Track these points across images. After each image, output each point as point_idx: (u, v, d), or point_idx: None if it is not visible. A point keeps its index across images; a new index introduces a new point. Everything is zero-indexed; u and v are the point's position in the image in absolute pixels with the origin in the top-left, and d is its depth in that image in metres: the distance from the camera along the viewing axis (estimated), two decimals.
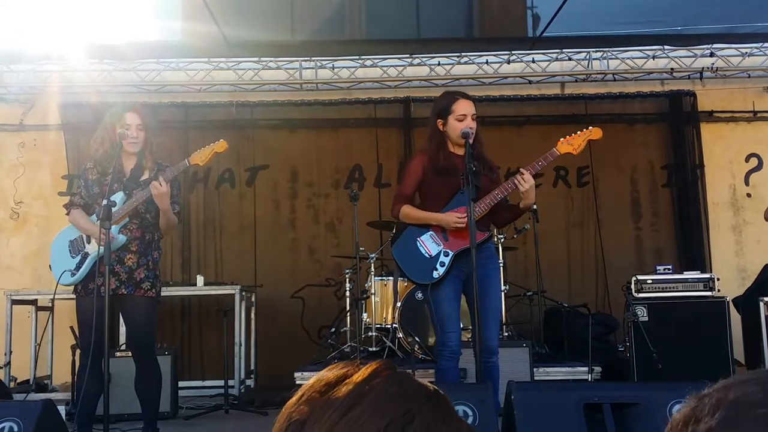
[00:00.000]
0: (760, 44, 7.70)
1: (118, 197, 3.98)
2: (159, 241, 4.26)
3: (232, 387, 6.49)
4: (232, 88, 8.01)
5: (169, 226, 4.15)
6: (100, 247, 3.79)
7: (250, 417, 5.74)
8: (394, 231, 6.37)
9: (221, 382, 6.21)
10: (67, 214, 4.23)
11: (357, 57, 7.87)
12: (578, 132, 4.11)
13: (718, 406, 0.68)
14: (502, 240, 6.37)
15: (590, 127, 4.11)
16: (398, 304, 6.23)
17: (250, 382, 7.26)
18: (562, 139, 4.08)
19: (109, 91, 7.75)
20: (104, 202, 3.75)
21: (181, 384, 6.21)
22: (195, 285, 7.03)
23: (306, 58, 7.85)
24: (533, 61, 7.84)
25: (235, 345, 6.74)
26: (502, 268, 5.78)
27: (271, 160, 8.06)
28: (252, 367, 7.37)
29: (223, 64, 7.88)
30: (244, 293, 7.03)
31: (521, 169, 3.93)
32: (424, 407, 0.77)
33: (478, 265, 3.80)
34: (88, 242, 4.09)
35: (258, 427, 5.33)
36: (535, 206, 6.36)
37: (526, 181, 3.87)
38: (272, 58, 7.84)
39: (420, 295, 6.15)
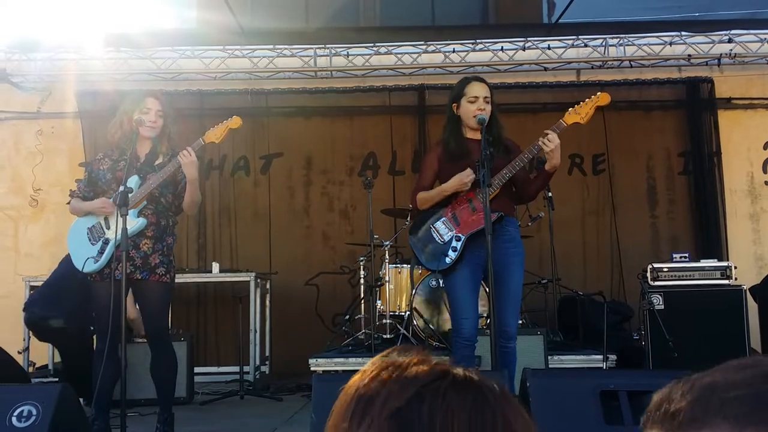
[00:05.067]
0: None
1: (133, 181, 3.99)
2: (174, 227, 4.28)
3: (248, 373, 6.53)
4: (247, 76, 8.02)
5: (194, 201, 4.13)
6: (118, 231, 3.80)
7: (265, 403, 5.78)
8: (408, 219, 6.42)
9: (236, 369, 6.26)
10: (68, 203, 4.27)
11: (371, 44, 7.85)
12: (585, 100, 4.01)
13: (691, 388, 0.68)
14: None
15: (598, 93, 4.00)
16: (413, 292, 6.22)
17: (265, 369, 7.31)
18: (570, 109, 4.00)
19: (125, 79, 7.79)
20: (121, 188, 3.77)
21: (196, 370, 6.27)
22: (210, 272, 7.07)
23: (320, 46, 7.84)
24: (549, 48, 7.79)
25: (250, 332, 6.78)
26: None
27: (286, 147, 8.07)
28: (267, 354, 7.41)
29: (238, 52, 7.89)
30: (258, 280, 7.06)
31: (545, 131, 3.85)
32: (500, 403, 0.78)
33: (497, 248, 3.74)
34: (108, 228, 4.11)
35: (273, 412, 5.36)
36: (550, 194, 6.37)
37: (551, 141, 3.77)
38: (287, 46, 7.83)
39: (434, 282, 6.15)
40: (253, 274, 6.93)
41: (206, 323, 7.72)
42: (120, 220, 3.71)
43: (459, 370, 0.80)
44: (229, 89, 8.08)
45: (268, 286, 7.52)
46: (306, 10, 7.44)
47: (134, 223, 3.92)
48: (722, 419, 0.65)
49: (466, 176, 3.92)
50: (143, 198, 4.03)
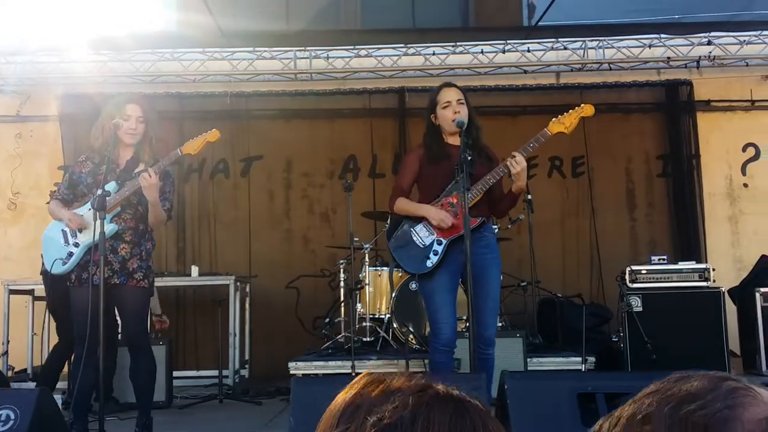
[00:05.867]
0: (759, 32, 7.66)
1: (111, 187, 3.97)
2: (152, 232, 4.25)
3: (227, 377, 6.50)
4: (227, 79, 7.99)
5: (157, 221, 4.13)
6: (94, 236, 3.78)
7: (244, 406, 5.75)
8: (388, 222, 6.41)
9: (216, 372, 6.22)
10: (48, 203, 4.25)
11: (352, 47, 7.83)
12: (570, 111, 4.03)
13: (616, 423, 0.74)
14: (497, 230, 6.35)
15: (582, 105, 4.03)
16: (393, 295, 6.22)
17: (244, 372, 7.28)
18: (554, 119, 4.02)
19: (105, 82, 7.73)
20: (98, 191, 3.74)
21: (175, 374, 6.24)
22: (190, 275, 7.03)
23: (300, 48, 7.82)
24: (528, 51, 7.81)
25: (230, 335, 6.75)
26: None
27: (266, 150, 8.05)
28: (246, 357, 7.38)
29: (217, 54, 7.85)
30: (238, 283, 7.03)
31: (513, 152, 3.88)
32: (479, 415, 0.81)
33: (475, 253, 3.76)
34: (80, 231, 4.08)
35: (252, 416, 5.35)
36: (530, 196, 6.39)
37: (518, 163, 3.80)
38: (266, 48, 7.80)
39: (414, 285, 6.12)
40: (233, 277, 6.90)
41: (185, 327, 7.67)
42: (98, 223, 3.69)
43: (440, 386, 0.84)
44: (208, 92, 8.04)
45: (247, 290, 7.49)
46: (286, 12, 7.42)
47: (105, 228, 3.89)
48: None
49: (446, 221, 3.95)
50: (117, 204, 4.00)
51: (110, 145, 4.00)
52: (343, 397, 0.85)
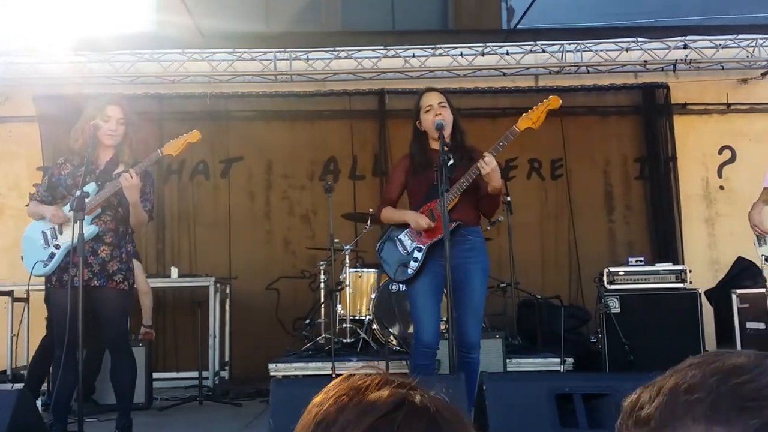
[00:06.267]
0: (734, 36, 7.76)
1: (91, 188, 3.96)
2: (133, 234, 4.24)
3: (207, 378, 6.49)
4: (207, 80, 7.96)
5: (139, 222, 4.12)
6: (74, 237, 3.76)
7: (224, 408, 5.75)
8: (368, 224, 6.46)
9: (195, 374, 6.20)
10: (26, 205, 4.24)
11: (331, 48, 7.84)
12: (536, 105, 4.06)
13: (658, 393, 0.71)
14: None
15: (549, 97, 4.06)
16: (372, 296, 6.24)
17: (224, 374, 7.26)
18: (524, 114, 4.05)
19: (84, 83, 7.67)
20: (77, 192, 3.73)
21: (155, 375, 6.22)
22: (169, 277, 7.00)
23: (280, 50, 7.81)
24: (507, 54, 7.86)
25: (210, 337, 6.73)
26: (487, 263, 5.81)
27: (246, 151, 8.04)
28: (226, 359, 7.36)
29: (197, 56, 7.81)
30: (218, 285, 7.01)
31: (483, 153, 3.91)
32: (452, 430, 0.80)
33: (458, 257, 3.83)
34: (60, 233, 4.06)
35: (232, 418, 5.34)
36: (509, 198, 6.44)
37: (487, 164, 3.83)
38: (246, 50, 7.78)
39: (394, 286, 6.17)
40: (213, 278, 6.89)
41: (165, 328, 7.62)
42: (77, 225, 3.67)
43: (417, 397, 0.82)
44: (188, 93, 8.01)
45: (227, 291, 7.47)
46: (266, 14, 7.44)
47: (85, 230, 3.87)
48: (692, 421, 0.68)
49: (423, 223, 4.00)
50: (97, 206, 3.99)
51: (90, 146, 3.98)
52: (316, 407, 0.85)
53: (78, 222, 3.68)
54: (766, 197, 4.60)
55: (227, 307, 7.45)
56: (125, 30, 7.27)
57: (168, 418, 5.47)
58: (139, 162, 4.07)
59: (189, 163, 7.97)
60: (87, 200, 3.79)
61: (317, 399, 0.85)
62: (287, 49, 7.81)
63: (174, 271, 7.01)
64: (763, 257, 4.47)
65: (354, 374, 0.88)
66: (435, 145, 4.12)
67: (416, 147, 4.19)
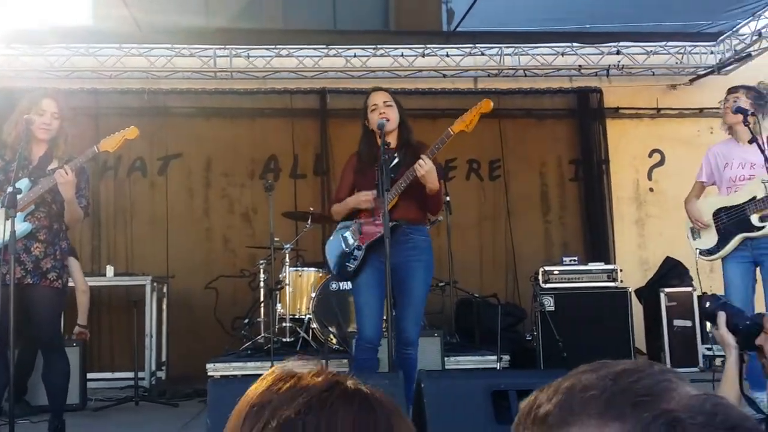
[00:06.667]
0: (664, 43, 8.05)
1: (23, 184, 3.88)
2: (67, 231, 4.16)
3: (143, 379, 6.40)
4: (145, 75, 7.83)
5: (74, 218, 4.05)
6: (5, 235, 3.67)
7: (160, 408, 5.68)
8: (309, 223, 6.48)
9: (131, 374, 6.11)
10: None
11: (273, 46, 7.81)
12: (470, 109, 4.14)
13: (555, 393, 0.75)
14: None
15: (482, 100, 4.14)
16: (313, 295, 6.25)
17: (161, 374, 7.16)
18: (459, 117, 4.13)
19: (17, 76, 7.47)
20: (9, 188, 3.64)
21: (90, 376, 6.11)
22: (105, 275, 6.87)
23: (220, 46, 7.75)
24: (447, 56, 7.98)
25: (146, 336, 6.64)
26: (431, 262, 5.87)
27: (185, 148, 7.94)
28: (163, 359, 7.26)
29: (134, 51, 7.68)
30: (155, 284, 6.92)
31: (421, 155, 3.97)
32: (384, 412, 0.82)
33: (399, 255, 3.90)
34: None
35: (168, 418, 5.28)
36: (448, 198, 6.53)
37: (421, 166, 3.88)
38: (186, 45, 7.69)
39: (335, 285, 6.19)
40: (150, 277, 6.79)
41: (100, 328, 7.47)
42: (8, 222, 3.58)
43: (350, 382, 0.84)
44: (125, 88, 7.87)
45: (165, 290, 7.37)
46: (206, 9, 7.32)
47: (19, 227, 3.78)
48: (588, 417, 0.71)
49: (364, 195, 4.07)
50: (30, 203, 3.90)
51: (23, 140, 3.89)
52: (252, 393, 0.85)
53: (10, 219, 3.59)
54: (698, 192, 4.78)
55: (164, 307, 7.35)
56: (60, 23, 7.07)
57: (103, 419, 5.38)
58: (74, 158, 3.99)
59: (126, 159, 7.83)
60: (19, 197, 3.71)
61: (254, 385, 0.87)
62: (227, 46, 7.75)
63: (110, 270, 6.88)
64: (698, 250, 4.61)
65: (290, 363, 0.89)
66: None
67: (364, 145, 4.25)
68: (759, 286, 4.45)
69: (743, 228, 4.41)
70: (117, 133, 4.11)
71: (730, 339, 2.46)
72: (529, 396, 0.79)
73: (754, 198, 4.37)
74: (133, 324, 6.14)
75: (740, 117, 4.28)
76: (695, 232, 4.69)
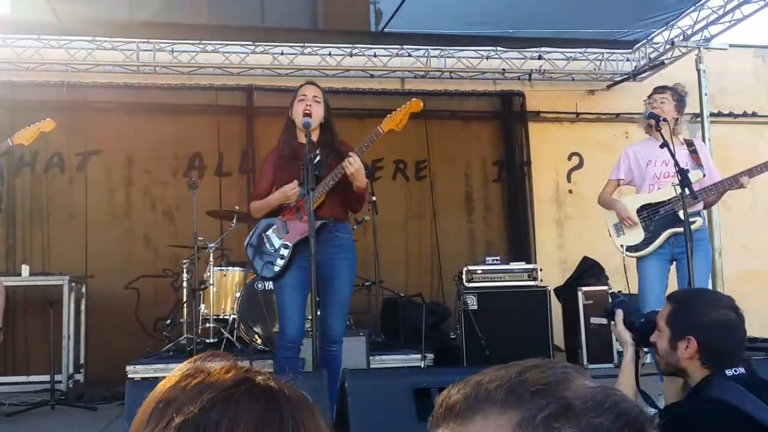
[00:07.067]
0: (583, 49, 8.32)
1: None
2: None
3: (60, 382, 6.19)
4: (64, 68, 7.59)
5: None
6: None
7: (78, 412, 5.52)
8: (234, 222, 6.40)
9: (47, 377, 5.91)
10: None
11: (198, 41, 7.70)
12: (399, 108, 4.20)
13: (464, 385, 0.80)
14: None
15: (411, 100, 4.20)
16: (237, 295, 6.19)
17: (79, 377, 6.96)
18: (387, 116, 4.18)
19: None
20: None
21: (3, 380, 5.90)
22: (20, 275, 6.62)
23: (144, 40, 7.58)
24: (375, 56, 8.03)
25: (63, 338, 6.44)
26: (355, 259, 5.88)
27: (105, 144, 7.73)
28: (82, 361, 7.06)
29: (54, 42, 7.45)
30: (73, 284, 6.71)
31: (349, 153, 4.00)
32: (291, 407, 0.81)
33: (324, 253, 3.90)
34: None
35: (86, 422, 5.15)
36: (374, 198, 6.57)
37: (351, 164, 3.91)
38: (107, 38, 7.50)
39: (260, 285, 6.15)
40: (67, 277, 6.59)
41: (15, 330, 7.19)
42: None
43: (260, 378, 0.83)
44: (43, 81, 7.61)
45: (83, 290, 7.16)
46: (129, 2, 7.16)
47: None
48: (490, 404, 0.76)
49: (290, 189, 4.04)
50: None
51: None
52: (159, 389, 0.83)
53: None
54: (612, 190, 4.91)
55: (83, 307, 7.14)
56: None
57: (17, 424, 5.19)
58: None
59: (43, 155, 7.57)
60: None
61: (162, 381, 0.85)
62: (151, 40, 7.60)
63: (25, 269, 6.64)
64: (624, 247, 4.68)
65: (201, 358, 0.88)
66: (302, 138, 4.16)
67: (285, 138, 4.21)
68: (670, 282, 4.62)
69: (671, 224, 4.52)
70: (32, 125, 4.00)
71: (626, 336, 2.58)
72: (443, 391, 0.82)
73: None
74: (50, 325, 5.95)
75: (652, 122, 4.46)
76: (619, 229, 4.73)
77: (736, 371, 2.12)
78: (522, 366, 0.80)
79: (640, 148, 4.83)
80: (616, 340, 2.62)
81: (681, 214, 4.44)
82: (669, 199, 4.54)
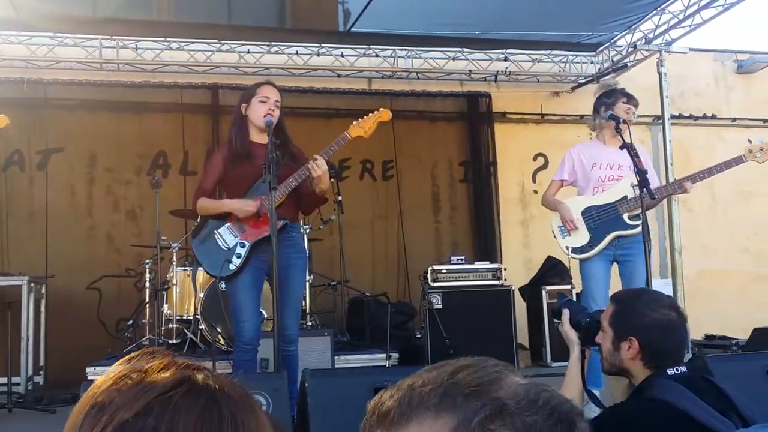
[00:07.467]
0: (548, 52, 8.40)
1: None
2: None
3: (18, 384, 6.07)
4: (24, 64, 7.46)
5: None
6: None
7: (36, 416, 5.41)
8: (198, 221, 6.32)
9: (5, 380, 5.80)
10: None
11: (162, 39, 7.61)
12: (368, 114, 4.19)
13: (397, 390, 0.81)
14: (308, 231, 6.46)
15: (380, 109, 4.19)
16: (201, 295, 6.13)
17: (38, 379, 6.82)
18: (354, 122, 4.17)
19: None
20: None
21: None
22: None
23: (107, 37, 7.48)
24: (342, 56, 8.01)
25: (22, 340, 6.31)
26: (307, 258, 5.86)
27: (67, 142, 7.61)
28: (41, 363, 6.92)
29: (13, 38, 7.32)
30: (32, 284, 6.58)
31: (315, 155, 3.98)
32: (232, 407, 0.79)
33: (281, 254, 3.83)
34: None
35: (45, 425, 5.05)
36: (340, 197, 6.56)
37: (318, 167, 3.90)
38: (69, 35, 7.38)
39: (223, 285, 6.09)
40: (26, 277, 6.45)
41: None
42: None
43: (200, 376, 0.80)
44: (2, 77, 7.46)
45: (43, 291, 7.02)
46: None
47: None
48: (424, 409, 0.76)
49: (250, 206, 3.98)
50: None
51: None
52: (94, 390, 0.79)
53: None
54: (555, 191, 4.95)
55: (43, 308, 7.01)
56: None
57: None
58: None
59: (2, 152, 7.43)
60: None
61: (98, 381, 0.80)
62: (114, 37, 7.49)
63: None
64: (569, 248, 4.72)
65: (138, 356, 0.84)
66: (256, 137, 4.11)
67: (237, 134, 4.12)
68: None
69: (616, 226, 4.60)
70: None
71: (572, 335, 2.60)
72: (375, 397, 0.81)
73: (625, 197, 4.59)
74: (8, 327, 5.84)
75: (606, 122, 4.55)
76: (564, 231, 4.75)
77: (677, 370, 2.14)
78: (454, 366, 0.79)
79: (585, 150, 4.90)
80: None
81: (626, 217, 4.55)
82: (615, 202, 4.61)
